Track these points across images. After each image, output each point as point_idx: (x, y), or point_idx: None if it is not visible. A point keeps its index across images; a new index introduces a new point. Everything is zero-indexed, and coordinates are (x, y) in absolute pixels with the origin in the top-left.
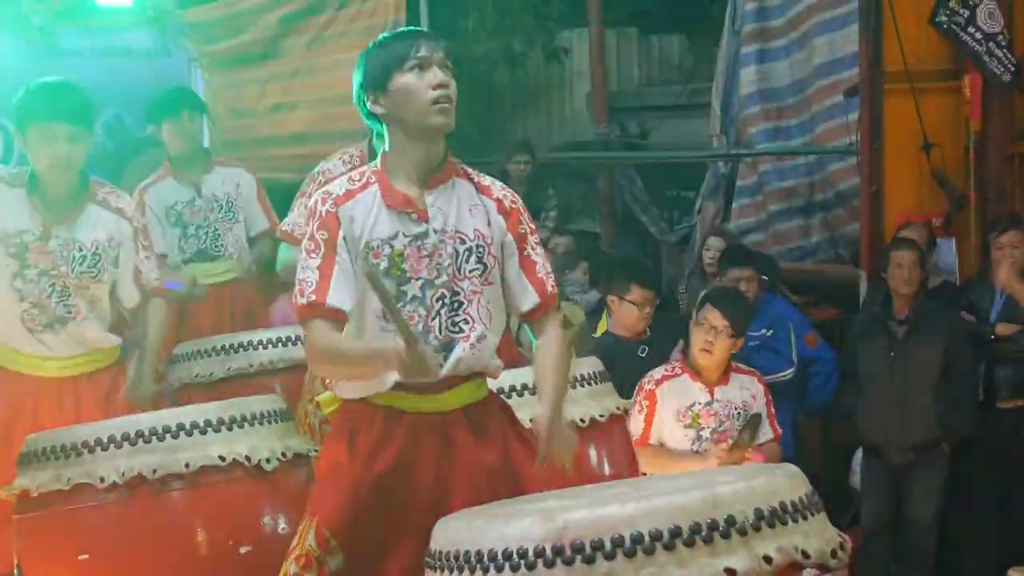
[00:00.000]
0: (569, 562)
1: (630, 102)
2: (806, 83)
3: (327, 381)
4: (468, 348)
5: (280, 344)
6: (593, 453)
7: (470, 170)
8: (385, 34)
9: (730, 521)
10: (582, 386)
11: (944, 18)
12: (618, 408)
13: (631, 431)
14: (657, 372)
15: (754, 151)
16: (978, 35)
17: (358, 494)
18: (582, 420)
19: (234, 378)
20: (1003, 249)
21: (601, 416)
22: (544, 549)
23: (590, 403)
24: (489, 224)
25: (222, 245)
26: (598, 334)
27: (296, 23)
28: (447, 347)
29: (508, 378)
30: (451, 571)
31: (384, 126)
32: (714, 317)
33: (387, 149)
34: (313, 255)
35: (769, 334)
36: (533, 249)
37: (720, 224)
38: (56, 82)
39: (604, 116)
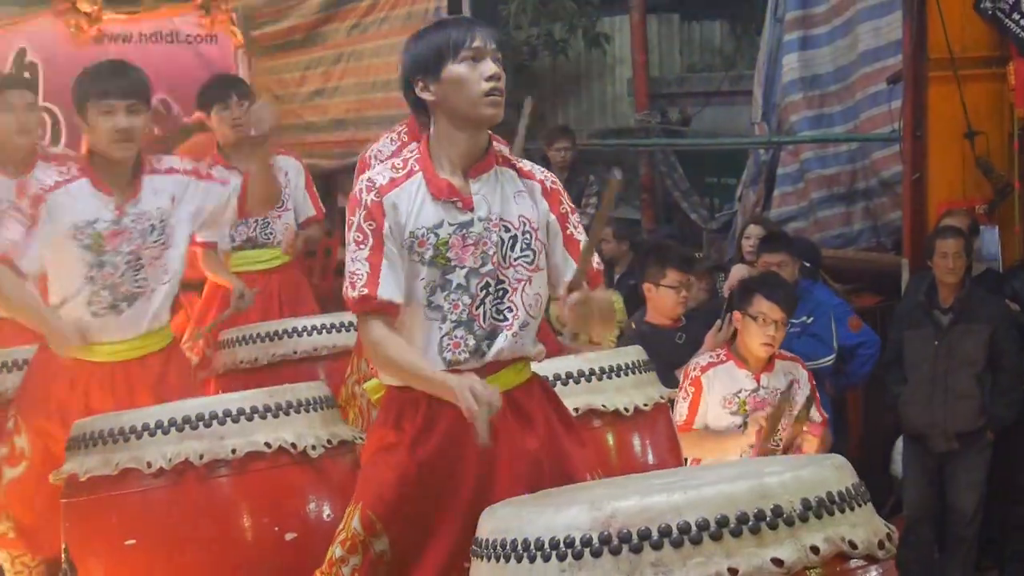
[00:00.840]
0: (616, 551)
1: (671, 88)
2: (849, 70)
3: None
4: (511, 336)
5: (324, 331)
6: (637, 442)
7: (510, 156)
8: (438, 19)
9: (777, 511)
10: (626, 375)
11: (989, 4)
12: (662, 397)
13: (675, 417)
14: (703, 359)
15: (796, 138)
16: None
17: (404, 478)
18: (626, 409)
19: (278, 364)
20: None
21: (645, 405)
22: (591, 538)
23: (634, 392)
24: (534, 209)
25: (271, 232)
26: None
27: (337, 9)
28: (491, 334)
29: (550, 367)
30: (497, 559)
31: (430, 113)
32: (771, 309)
33: (431, 136)
34: (362, 246)
35: (810, 321)
36: (576, 228)
37: (761, 211)
38: (112, 61)
39: (645, 102)
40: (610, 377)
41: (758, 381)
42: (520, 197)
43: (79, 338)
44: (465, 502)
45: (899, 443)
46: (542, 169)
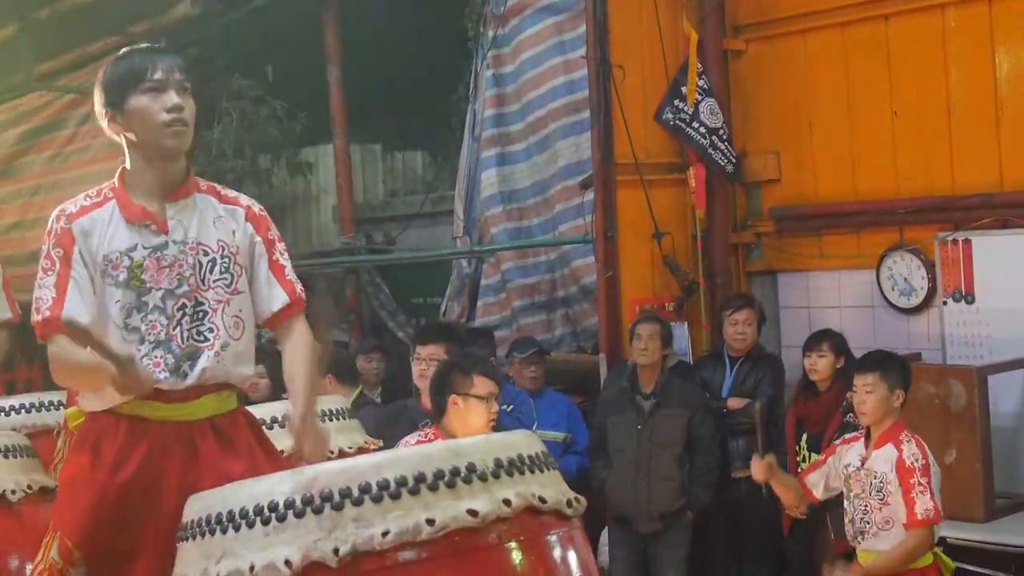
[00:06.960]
0: (319, 511)
1: (375, 213)
2: (548, 184)
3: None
4: (212, 356)
5: (24, 411)
6: None
7: (216, 185)
8: (125, 49)
9: (471, 468)
10: (331, 420)
11: (670, 115)
12: (366, 443)
13: None
14: (412, 438)
15: (495, 247)
16: (702, 129)
17: (102, 503)
18: (331, 452)
19: None
20: (736, 326)
21: (350, 448)
22: (294, 500)
23: (339, 436)
24: (234, 234)
25: None
26: None
27: (37, 139)
28: (191, 355)
29: (256, 412)
30: (203, 535)
31: (124, 143)
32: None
33: (127, 166)
34: (49, 272)
35: (509, 409)
36: (282, 254)
37: (465, 323)
38: None
39: (351, 227)
40: None
41: None
42: (220, 223)
43: None
44: (166, 527)
45: (605, 533)
46: (248, 197)
